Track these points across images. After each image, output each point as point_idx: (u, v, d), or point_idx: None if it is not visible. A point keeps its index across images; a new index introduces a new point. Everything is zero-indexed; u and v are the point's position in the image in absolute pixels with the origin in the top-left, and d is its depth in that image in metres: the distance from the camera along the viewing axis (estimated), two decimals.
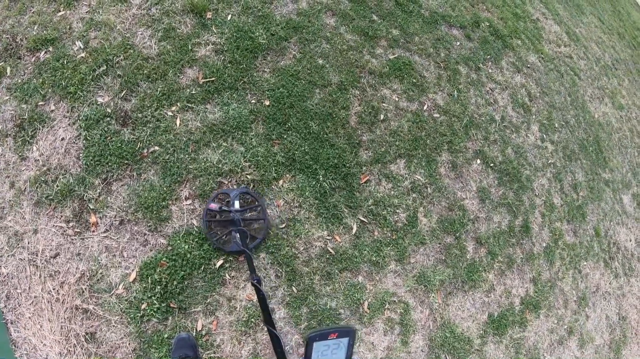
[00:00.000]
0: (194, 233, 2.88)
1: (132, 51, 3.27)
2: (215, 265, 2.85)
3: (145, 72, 3.21)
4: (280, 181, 3.17)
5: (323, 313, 2.99)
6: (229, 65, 3.42)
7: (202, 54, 3.40)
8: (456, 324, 3.46)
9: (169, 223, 2.88)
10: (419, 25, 4.51)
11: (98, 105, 3.06)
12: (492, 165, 4.18)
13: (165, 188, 2.93)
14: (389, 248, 3.35)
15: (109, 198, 2.85)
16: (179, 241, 2.82)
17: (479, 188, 4.00)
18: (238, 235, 2.70)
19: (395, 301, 3.26)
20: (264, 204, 3.05)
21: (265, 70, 3.53)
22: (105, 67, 3.16)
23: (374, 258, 3.26)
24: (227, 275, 2.85)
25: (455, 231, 3.69)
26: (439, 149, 3.91)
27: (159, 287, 2.69)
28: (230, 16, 3.64)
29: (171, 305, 2.71)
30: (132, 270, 2.73)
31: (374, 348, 3.10)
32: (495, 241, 3.89)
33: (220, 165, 3.06)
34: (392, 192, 3.53)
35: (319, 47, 3.82)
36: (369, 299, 3.17)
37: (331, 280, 3.10)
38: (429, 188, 3.70)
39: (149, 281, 2.69)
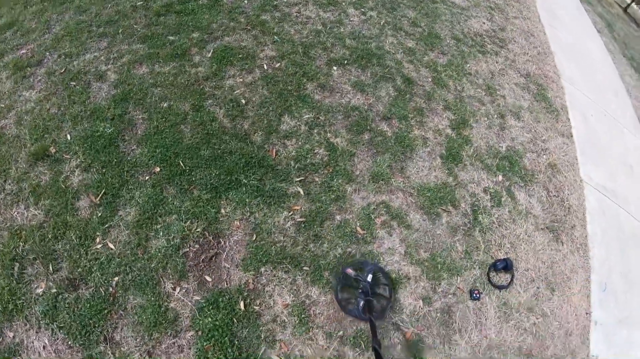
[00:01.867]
0: (204, 304, 2.99)
1: (24, 231, 3.21)
2: (240, 308, 3.01)
3: (50, 236, 3.18)
4: (222, 210, 3.35)
5: (338, 262, 3.29)
6: (104, 171, 3.47)
7: (77, 180, 3.43)
8: (427, 183, 3.89)
9: (180, 317, 2.97)
10: (207, 14, 4.73)
11: (42, 295, 2.99)
12: (346, 62, 4.57)
13: (153, 299, 2.99)
14: (334, 180, 3.66)
15: (122, 348, 2.86)
16: (201, 321, 2.93)
17: (353, 85, 4.39)
18: (362, 303, 2.97)
19: (374, 208, 3.61)
20: (391, 285, 3.27)
21: (133, 147, 3.62)
22: (17, 264, 3.08)
23: (333, 196, 3.57)
24: (255, 306, 3.04)
25: (365, 127, 4.08)
26: (301, 84, 4.24)
27: None
28: (68, 135, 3.68)
29: None
30: None
31: (392, 251, 3.45)
32: (397, 107, 4.33)
33: (172, 242, 3.18)
34: (299, 143, 3.84)
35: (154, 96, 3.96)
36: (358, 224, 3.50)
37: (322, 237, 3.37)
38: (320, 117, 4.04)
39: None
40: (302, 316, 3.06)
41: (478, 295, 3.47)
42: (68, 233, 3.20)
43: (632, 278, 4.25)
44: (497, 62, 5.52)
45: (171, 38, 4.44)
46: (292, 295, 3.12)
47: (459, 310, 3.39)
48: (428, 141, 4.19)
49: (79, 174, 3.49)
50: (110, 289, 3.01)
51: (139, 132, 3.74)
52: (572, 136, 5.10)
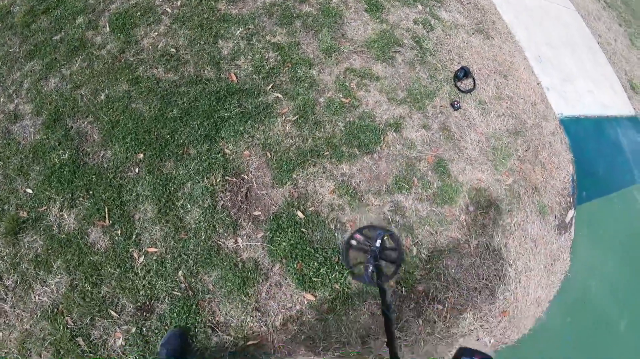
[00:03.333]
0: (271, 234, 2.96)
1: (61, 305, 2.69)
2: (301, 217, 3.02)
3: (88, 288, 2.71)
4: (226, 150, 3.21)
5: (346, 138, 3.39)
6: (91, 193, 3.05)
7: (72, 220, 2.96)
8: (370, 37, 3.99)
9: (259, 260, 2.88)
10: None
11: (125, 344, 2.61)
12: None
13: (225, 264, 2.84)
14: (298, 71, 3.62)
15: (232, 323, 2.71)
16: (277, 249, 2.91)
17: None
18: (370, 269, 2.75)
19: (343, 77, 3.68)
20: (402, 249, 3.07)
21: (102, 152, 3.21)
22: (79, 338, 2.63)
23: (306, 84, 3.56)
24: (310, 208, 3.06)
25: (292, 16, 3.97)
26: (213, 8, 3.95)
27: None
28: (28, 189, 3.09)
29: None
30: None
31: (379, 103, 3.59)
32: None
33: (205, 206, 3.00)
34: (248, 57, 3.66)
35: (83, 97, 3.46)
36: (340, 96, 3.57)
37: (321, 122, 3.41)
38: (250, 27, 3.85)
39: None
40: (350, 191, 3.15)
41: (458, 104, 3.74)
42: (104, 271, 2.79)
43: (554, 44, 4.77)
44: None
45: (57, 37, 3.81)
46: (331, 181, 3.17)
47: (452, 123, 3.67)
48: (348, 2, 4.17)
49: (69, 214, 2.99)
50: (182, 285, 2.78)
51: (96, 137, 3.29)
52: None
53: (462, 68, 3.91)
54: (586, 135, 4.26)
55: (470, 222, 3.33)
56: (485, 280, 3.20)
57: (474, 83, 3.92)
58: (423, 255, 3.11)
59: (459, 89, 3.87)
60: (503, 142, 3.71)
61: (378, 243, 2.93)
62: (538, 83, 4.30)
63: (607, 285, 3.48)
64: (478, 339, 3.12)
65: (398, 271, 3.02)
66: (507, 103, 3.96)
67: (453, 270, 3.16)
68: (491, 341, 3.15)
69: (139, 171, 3.13)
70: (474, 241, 3.27)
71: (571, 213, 3.74)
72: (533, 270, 3.38)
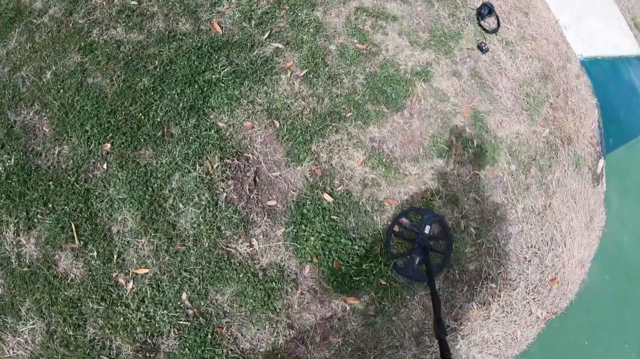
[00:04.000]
0: (294, 229, 2.32)
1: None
2: (328, 201, 2.39)
3: (70, 333, 2.08)
4: (220, 124, 2.46)
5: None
6: (50, 206, 2.27)
7: (32, 247, 2.19)
8: None
9: (284, 265, 2.28)
10: None
11: None
12: None
13: (240, 276, 2.23)
14: (300, 14, 2.85)
15: (261, 349, 2.15)
16: (305, 248, 2.29)
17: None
18: (417, 260, 2.27)
19: (354, 18, 2.94)
20: (451, 238, 2.46)
21: (57, 149, 2.37)
22: None
23: (312, 29, 2.82)
24: (338, 188, 2.43)
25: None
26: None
27: None
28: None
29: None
30: None
31: (400, 47, 2.93)
32: None
33: (202, 202, 2.30)
34: (234, 1, 2.87)
35: (25, 79, 2.57)
36: (355, 41, 2.85)
37: (336, 75, 2.73)
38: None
39: None
40: (384, 160, 2.52)
41: (486, 47, 3.13)
42: (85, 307, 2.10)
43: None
44: None
45: None
46: (359, 149, 2.51)
47: (482, 68, 3.09)
48: None
49: (28, 238, 2.21)
50: (189, 311, 2.13)
51: (47, 130, 2.44)
52: None
53: (484, 4, 3.26)
54: (605, 77, 3.84)
55: (514, 183, 2.80)
56: (534, 247, 2.74)
57: (498, 22, 3.29)
58: (472, 229, 2.56)
59: (483, 29, 3.23)
60: (534, 88, 3.17)
61: (427, 229, 2.37)
62: (556, 22, 3.76)
63: (637, 236, 3.17)
64: (531, 314, 2.68)
65: (447, 264, 2.45)
66: (531, 44, 3.39)
67: (503, 241, 2.65)
68: (543, 314, 2.71)
69: (108, 167, 2.35)
70: (520, 204, 2.75)
71: (601, 162, 3.33)
72: (575, 230, 2.94)
